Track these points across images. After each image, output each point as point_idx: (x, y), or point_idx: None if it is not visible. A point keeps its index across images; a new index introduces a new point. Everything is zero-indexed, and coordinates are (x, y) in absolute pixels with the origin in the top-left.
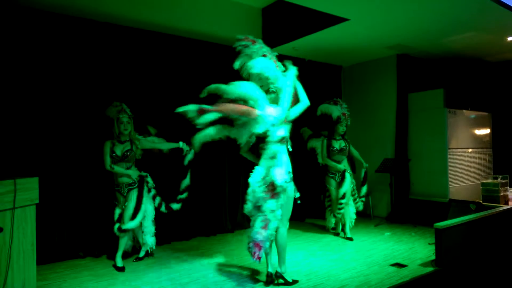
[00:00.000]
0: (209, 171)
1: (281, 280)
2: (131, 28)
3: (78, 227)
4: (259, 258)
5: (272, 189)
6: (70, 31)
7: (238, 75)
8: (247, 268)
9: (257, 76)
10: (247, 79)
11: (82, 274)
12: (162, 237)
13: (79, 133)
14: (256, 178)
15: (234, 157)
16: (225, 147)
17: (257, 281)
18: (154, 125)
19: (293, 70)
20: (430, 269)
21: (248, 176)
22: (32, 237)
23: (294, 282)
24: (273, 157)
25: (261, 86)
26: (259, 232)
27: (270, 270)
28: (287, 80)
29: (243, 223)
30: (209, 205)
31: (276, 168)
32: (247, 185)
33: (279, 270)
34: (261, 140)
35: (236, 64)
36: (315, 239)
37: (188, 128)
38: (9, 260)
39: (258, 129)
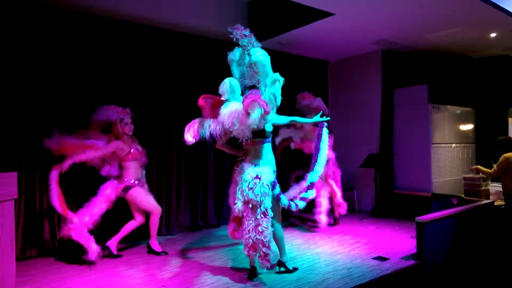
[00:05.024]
0: (195, 166)
1: (282, 268)
2: (114, 20)
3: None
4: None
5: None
6: (48, 22)
7: (222, 69)
8: (230, 262)
9: (257, 66)
10: (242, 69)
11: (63, 270)
12: (145, 232)
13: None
14: (246, 177)
15: (219, 152)
16: (210, 141)
17: (240, 275)
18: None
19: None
20: (411, 262)
21: (233, 171)
22: (11, 233)
23: (295, 269)
24: (261, 156)
25: (251, 75)
26: (258, 233)
27: (254, 264)
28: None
29: (229, 217)
30: (194, 200)
31: (262, 171)
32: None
33: (281, 259)
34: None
35: (236, 55)
36: (300, 233)
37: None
38: None
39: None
